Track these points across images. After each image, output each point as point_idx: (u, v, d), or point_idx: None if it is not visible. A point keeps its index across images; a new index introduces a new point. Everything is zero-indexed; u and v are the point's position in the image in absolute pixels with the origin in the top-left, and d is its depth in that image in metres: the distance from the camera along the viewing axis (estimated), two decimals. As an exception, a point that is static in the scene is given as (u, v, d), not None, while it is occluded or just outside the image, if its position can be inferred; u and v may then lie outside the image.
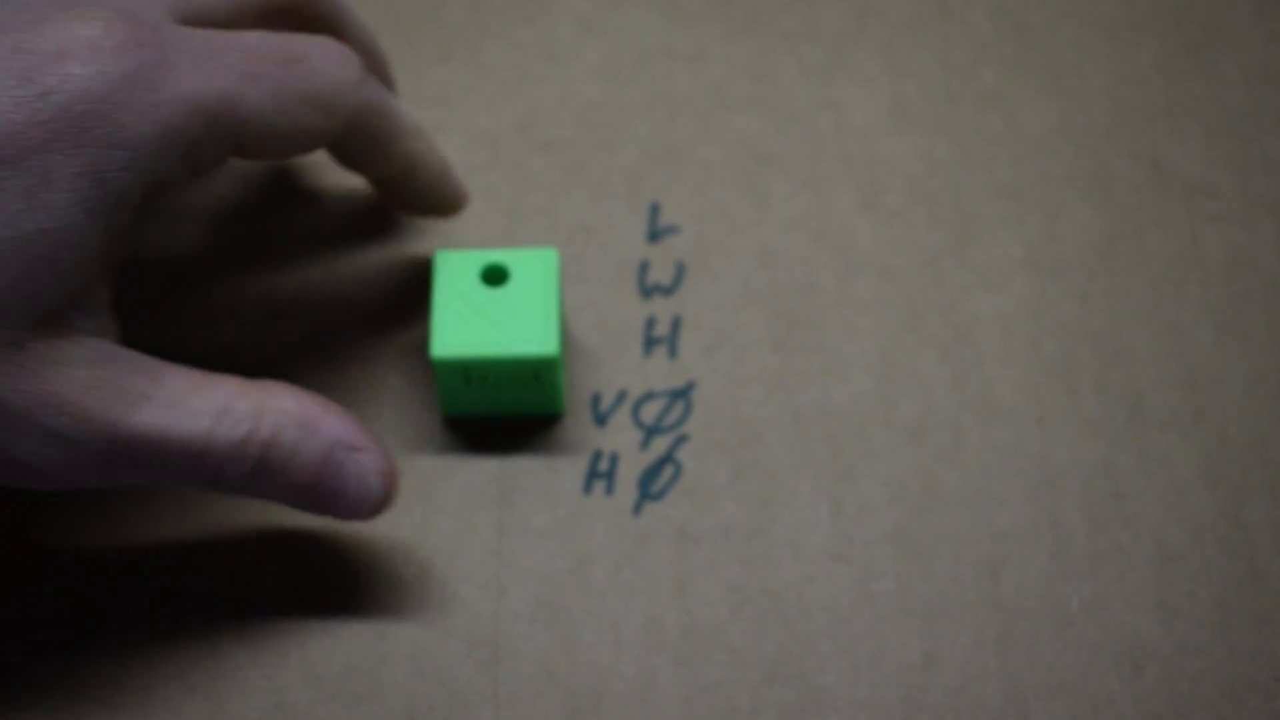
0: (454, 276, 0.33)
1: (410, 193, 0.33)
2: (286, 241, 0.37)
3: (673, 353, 0.36)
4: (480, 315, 0.32)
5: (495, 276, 0.33)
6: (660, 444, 0.34)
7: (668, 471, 0.34)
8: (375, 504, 0.30)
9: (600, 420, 0.35)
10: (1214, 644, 0.32)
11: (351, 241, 0.37)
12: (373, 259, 0.37)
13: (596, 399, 0.35)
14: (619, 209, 0.38)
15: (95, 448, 0.27)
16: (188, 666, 0.32)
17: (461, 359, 0.32)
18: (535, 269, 0.33)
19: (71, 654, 0.32)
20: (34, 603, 0.32)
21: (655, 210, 0.37)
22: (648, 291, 0.36)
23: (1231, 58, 0.40)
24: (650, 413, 0.35)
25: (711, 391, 0.35)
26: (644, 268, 0.37)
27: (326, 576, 0.33)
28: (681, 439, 0.34)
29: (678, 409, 0.35)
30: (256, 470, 0.29)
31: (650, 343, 0.36)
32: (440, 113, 0.39)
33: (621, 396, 0.35)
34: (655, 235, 0.37)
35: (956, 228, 0.37)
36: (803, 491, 0.34)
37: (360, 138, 0.31)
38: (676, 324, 0.36)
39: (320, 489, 0.29)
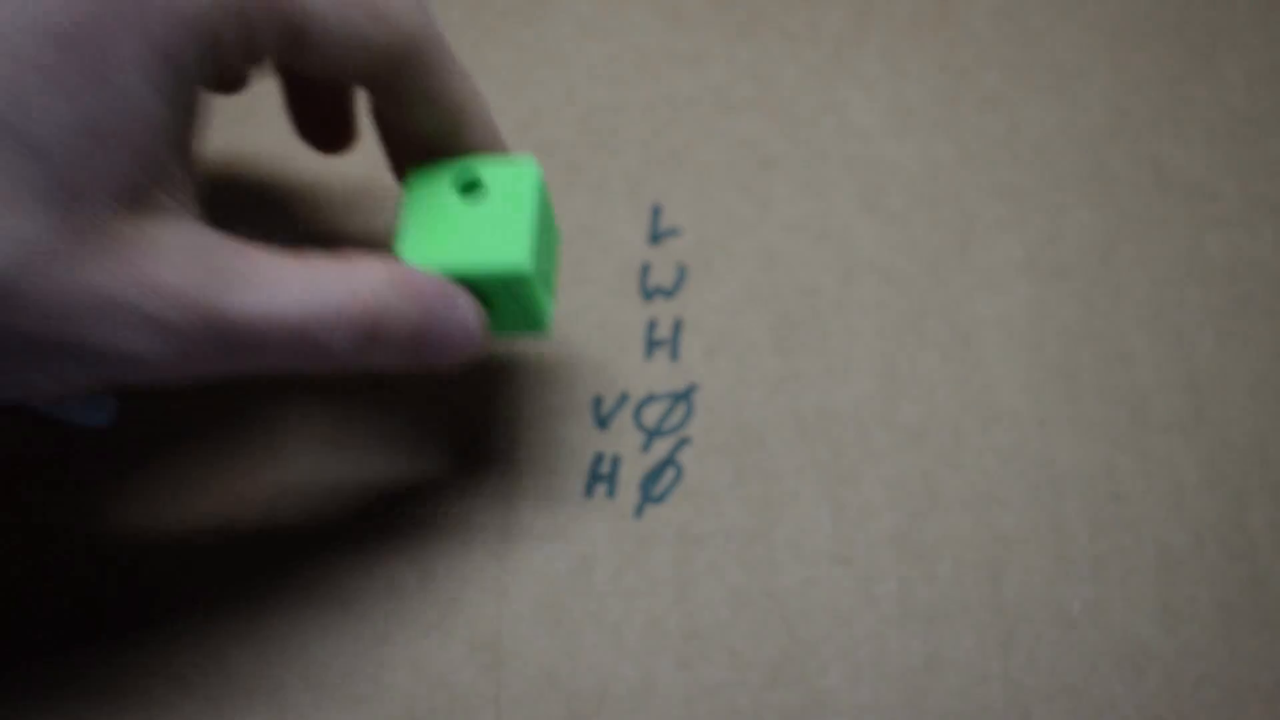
0: (427, 187, 0.30)
1: (457, 148, 0.31)
2: (285, 217, 0.37)
3: (674, 355, 0.36)
4: (452, 227, 0.30)
5: (470, 188, 0.31)
6: (662, 446, 0.34)
7: (669, 474, 0.34)
8: (477, 344, 0.30)
9: (602, 423, 0.35)
10: (1216, 647, 0.32)
11: (346, 217, 0.37)
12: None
13: (598, 401, 0.35)
14: (620, 211, 0.38)
15: (196, 333, 0.26)
16: (188, 669, 0.31)
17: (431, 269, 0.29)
18: (513, 181, 0.30)
19: (71, 654, 0.32)
20: (34, 602, 0.32)
21: (656, 212, 0.37)
22: (649, 294, 0.36)
23: (1233, 60, 0.40)
24: (652, 415, 0.35)
25: (713, 394, 0.35)
26: (645, 270, 0.37)
27: (327, 579, 0.33)
28: (683, 441, 0.34)
29: (679, 411, 0.35)
30: (365, 337, 0.28)
31: (652, 345, 0.36)
32: (441, 114, 0.39)
33: (623, 399, 0.35)
34: (657, 237, 0.37)
35: (958, 230, 0.37)
36: (804, 494, 0.34)
37: (413, 72, 0.29)
38: (678, 326, 0.36)
39: (427, 341, 0.29)
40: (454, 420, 0.35)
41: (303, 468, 0.34)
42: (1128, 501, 0.34)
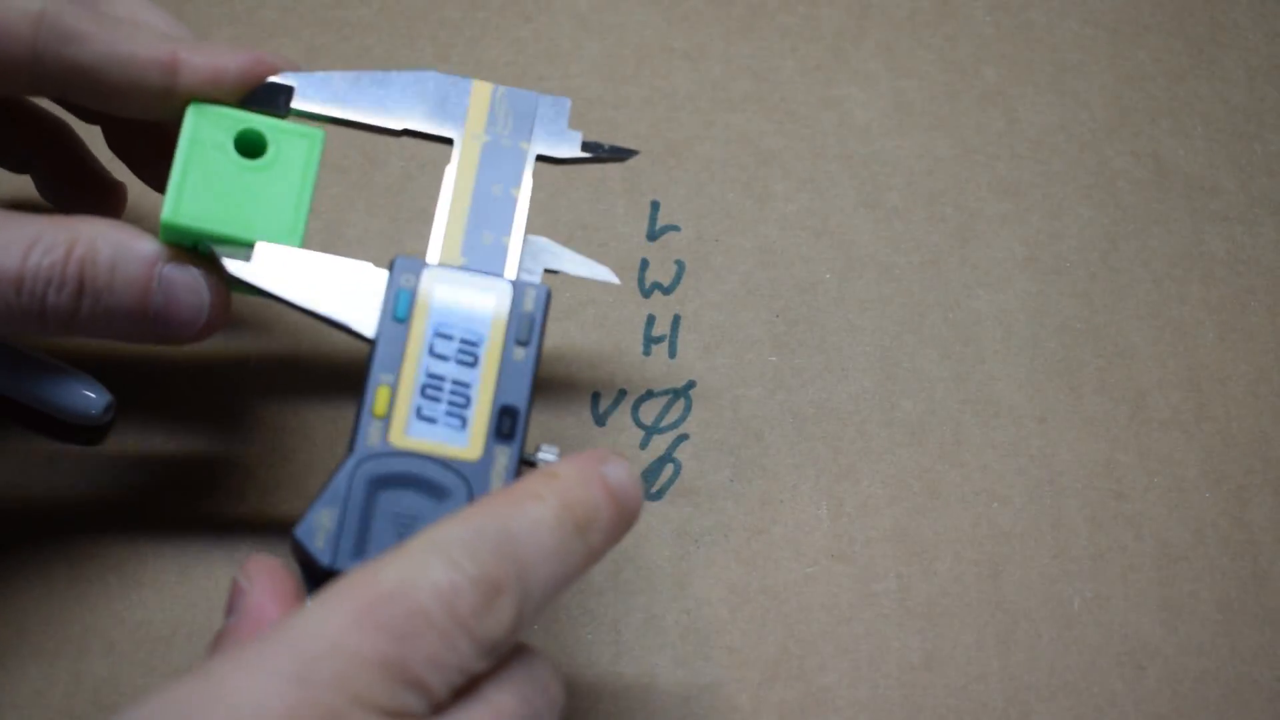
0: (207, 135, 0.29)
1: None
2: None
3: (672, 352, 0.35)
4: (228, 186, 0.29)
5: (251, 148, 0.29)
6: (660, 443, 0.34)
7: (667, 471, 0.34)
8: (213, 317, 0.29)
9: (600, 419, 0.35)
10: (1217, 644, 0.32)
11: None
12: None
13: (596, 398, 0.35)
14: (619, 207, 0.37)
15: None
16: (188, 663, 0.31)
17: (194, 230, 0.28)
18: (297, 148, 0.29)
19: (71, 654, 0.31)
20: (33, 601, 0.32)
21: (655, 208, 0.37)
22: (647, 290, 0.36)
23: (1233, 55, 0.40)
24: (650, 412, 0.35)
25: (711, 390, 0.35)
26: (644, 266, 0.36)
27: (325, 576, 0.33)
28: (681, 438, 0.34)
29: (677, 408, 0.35)
30: (80, 292, 0.28)
31: (650, 341, 0.36)
32: (439, 111, 0.38)
33: (621, 396, 0.35)
34: (655, 234, 0.37)
35: (957, 226, 0.37)
36: (803, 490, 0.34)
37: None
38: (676, 323, 0.36)
39: (151, 305, 0.28)
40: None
41: (301, 464, 0.34)
42: (1128, 498, 0.33)
